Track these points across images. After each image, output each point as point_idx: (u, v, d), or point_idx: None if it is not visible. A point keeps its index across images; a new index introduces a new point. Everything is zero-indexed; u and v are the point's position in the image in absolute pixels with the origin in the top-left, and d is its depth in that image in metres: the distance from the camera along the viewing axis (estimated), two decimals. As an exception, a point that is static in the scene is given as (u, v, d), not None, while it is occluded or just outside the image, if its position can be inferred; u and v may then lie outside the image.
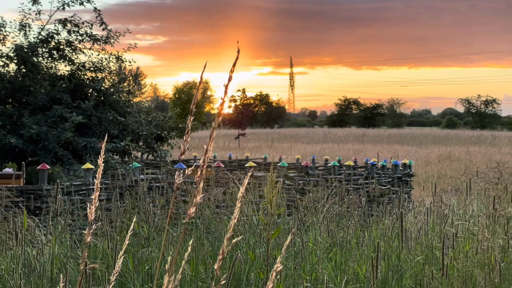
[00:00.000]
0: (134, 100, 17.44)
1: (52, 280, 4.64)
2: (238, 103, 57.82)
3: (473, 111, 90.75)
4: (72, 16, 15.61)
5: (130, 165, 11.62)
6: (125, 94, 16.28)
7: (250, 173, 1.40)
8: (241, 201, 1.37)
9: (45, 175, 9.26)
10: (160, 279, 4.80)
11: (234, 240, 1.26)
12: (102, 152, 1.58)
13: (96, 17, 15.87)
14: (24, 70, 14.97)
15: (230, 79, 1.26)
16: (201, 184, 1.24)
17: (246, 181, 1.28)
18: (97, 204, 1.53)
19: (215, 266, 1.25)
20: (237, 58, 1.24)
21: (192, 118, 1.46)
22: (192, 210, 1.22)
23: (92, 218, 1.54)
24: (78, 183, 9.60)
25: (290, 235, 1.40)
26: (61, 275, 1.52)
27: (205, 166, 1.25)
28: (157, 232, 6.03)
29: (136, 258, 5.40)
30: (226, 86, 1.26)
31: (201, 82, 1.45)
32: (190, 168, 1.44)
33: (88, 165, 9.89)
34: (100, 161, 1.58)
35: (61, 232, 5.79)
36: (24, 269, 4.99)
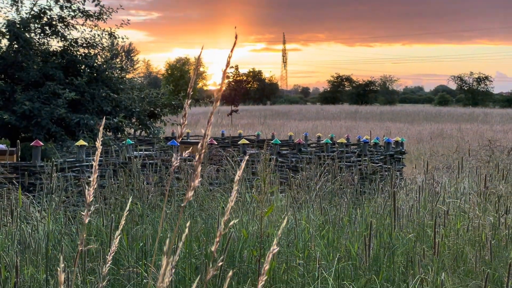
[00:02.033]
0: (127, 76, 17.40)
1: (48, 256, 4.67)
2: (231, 79, 57.66)
3: (466, 88, 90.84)
4: (64, -9, 15.51)
5: (123, 142, 11.62)
6: (117, 70, 16.23)
7: (247, 156, 1.42)
8: (237, 184, 1.40)
9: (38, 152, 9.25)
10: (156, 256, 4.84)
11: (231, 223, 1.29)
12: (100, 135, 1.60)
13: (89, -8, 15.78)
14: (16, 46, 14.90)
15: (227, 64, 1.27)
16: (199, 169, 1.26)
17: (243, 165, 1.30)
18: (95, 187, 1.54)
19: (212, 249, 1.28)
20: (234, 43, 1.25)
21: (189, 101, 1.47)
22: (190, 194, 1.24)
23: (90, 199, 1.56)
24: (72, 159, 9.59)
25: (285, 217, 1.42)
26: (61, 256, 1.55)
27: (203, 151, 1.27)
28: (151, 209, 6.05)
29: (130, 235, 5.43)
30: (224, 72, 1.27)
31: (197, 66, 1.46)
32: (187, 151, 1.46)
33: (81, 142, 9.87)
34: (98, 143, 1.59)
35: (55, 209, 5.82)
36: (19, 245, 5.02)
